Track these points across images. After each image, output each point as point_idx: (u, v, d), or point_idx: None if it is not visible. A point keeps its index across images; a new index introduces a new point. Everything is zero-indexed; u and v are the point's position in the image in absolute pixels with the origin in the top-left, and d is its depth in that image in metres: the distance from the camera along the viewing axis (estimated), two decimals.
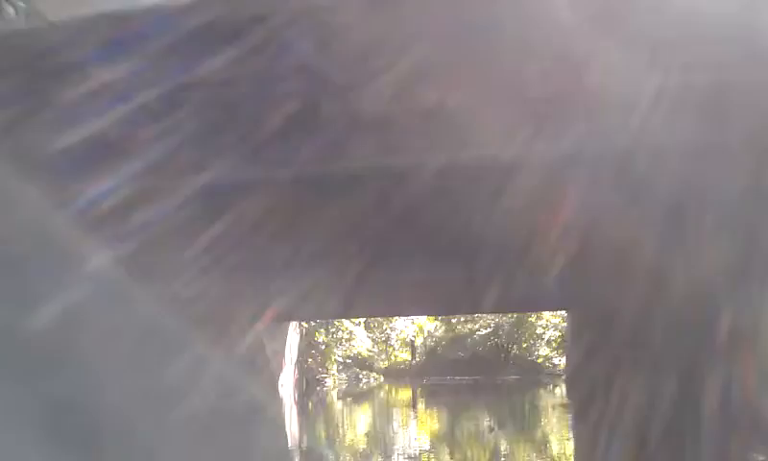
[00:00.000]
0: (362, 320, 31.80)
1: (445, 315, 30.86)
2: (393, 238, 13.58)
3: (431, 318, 34.65)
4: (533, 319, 32.05)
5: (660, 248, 8.62)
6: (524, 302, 13.50)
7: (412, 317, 34.87)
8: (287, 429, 11.89)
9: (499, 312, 27.01)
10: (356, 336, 29.80)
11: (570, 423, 10.85)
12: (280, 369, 23.30)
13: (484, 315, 32.83)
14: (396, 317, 32.73)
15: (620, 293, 11.84)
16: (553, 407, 14.24)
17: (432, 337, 35.87)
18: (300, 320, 21.47)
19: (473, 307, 14.54)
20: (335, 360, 28.15)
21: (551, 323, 31.19)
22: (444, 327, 35.65)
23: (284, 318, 15.45)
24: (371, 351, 31.93)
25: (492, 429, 8.20)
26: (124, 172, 6.87)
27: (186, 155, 6.98)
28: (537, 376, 29.82)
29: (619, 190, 7.57)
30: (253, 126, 6.85)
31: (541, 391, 21.19)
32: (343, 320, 27.88)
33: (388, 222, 10.95)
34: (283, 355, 23.65)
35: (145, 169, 6.72)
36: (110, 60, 6.22)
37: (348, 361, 29.63)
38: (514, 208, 10.12)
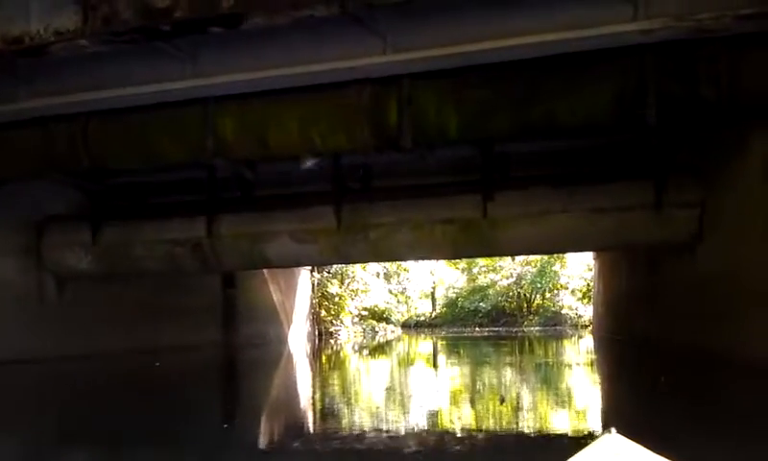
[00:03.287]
0: (380, 271, 29.97)
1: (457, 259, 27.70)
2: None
3: (452, 264, 32.63)
4: (556, 269, 29.96)
5: None
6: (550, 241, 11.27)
7: (431, 267, 33.00)
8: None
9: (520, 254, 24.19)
10: (372, 287, 27.94)
11: (599, 385, 8.81)
12: (289, 321, 21.54)
13: (505, 265, 30.88)
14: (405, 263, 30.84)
15: None
16: (578, 365, 12.16)
17: (452, 288, 33.88)
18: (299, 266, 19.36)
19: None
20: (350, 312, 26.26)
21: (575, 273, 29.17)
22: (464, 278, 33.63)
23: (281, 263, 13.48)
24: (388, 303, 30.06)
25: (502, 401, 6.20)
26: None
27: None
28: (561, 326, 27.94)
29: None
30: None
31: (566, 344, 19.15)
32: (356, 269, 26.07)
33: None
34: (293, 306, 21.84)
35: None
36: None
37: (365, 313, 27.74)
38: None
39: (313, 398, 8.13)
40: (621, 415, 6.12)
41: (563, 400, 7.32)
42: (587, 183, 10.74)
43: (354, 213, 11.39)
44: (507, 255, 24.82)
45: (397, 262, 30.79)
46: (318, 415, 6.55)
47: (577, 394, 7.89)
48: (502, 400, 6.34)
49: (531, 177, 11.28)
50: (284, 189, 12.52)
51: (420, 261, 27.57)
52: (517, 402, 6.77)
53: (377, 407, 6.97)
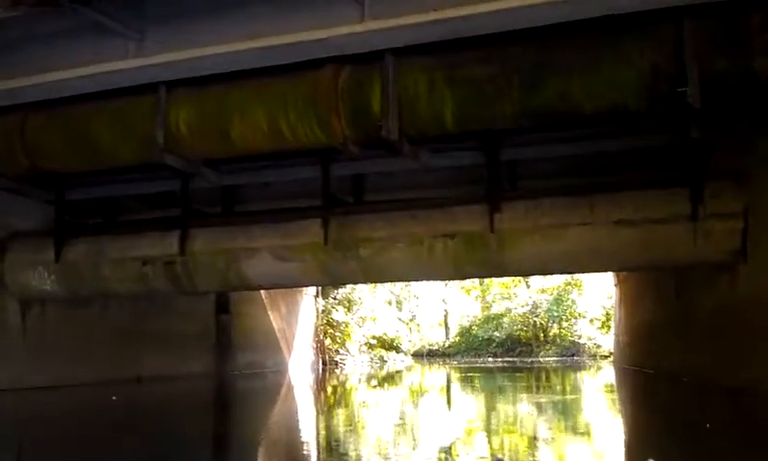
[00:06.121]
0: (391, 298, 28.31)
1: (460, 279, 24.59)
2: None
3: (465, 291, 30.95)
4: (573, 297, 28.11)
5: None
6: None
7: (443, 294, 31.30)
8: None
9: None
10: (381, 314, 26.17)
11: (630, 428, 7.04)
12: (290, 349, 19.84)
13: (520, 292, 29.08)
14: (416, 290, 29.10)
15: None
16: (602, 401, 10.35)
17: (466, 316, 32.00)
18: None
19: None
20: (357, 341, 24.46)
21: (594, 301, 27.29)
22: (478, 305, 31.83)
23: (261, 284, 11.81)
24: (398, 331, 28.20)
25: None
26: None
27: None
28: (579, 357, 26.00)
29: None
30: None
31: (586, 376, 17.26)
32: (364, 295, 24.38)
33: None
34: (295, 334, 20.15)
35: None
36: None
37: (373, 341, 25.89)
38: None
39: (317, 438, 6.51)
40: None
41: (591, 445, 5.65)
42: (609, 192, 9.00)
43: (343, 227, 9.70)
44: (517, 275, 22.58)
45: (409, 289, 29.20)
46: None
47: (605, 438, 6.17)
48: None
49: (544, 188, 9.60)
50: (269, 204, 10.95)
51: (419, 282, 25.47)
52: (535, 443, 5.41)
53: (385, 450, 5.50)
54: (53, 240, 10.97)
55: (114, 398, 9.90)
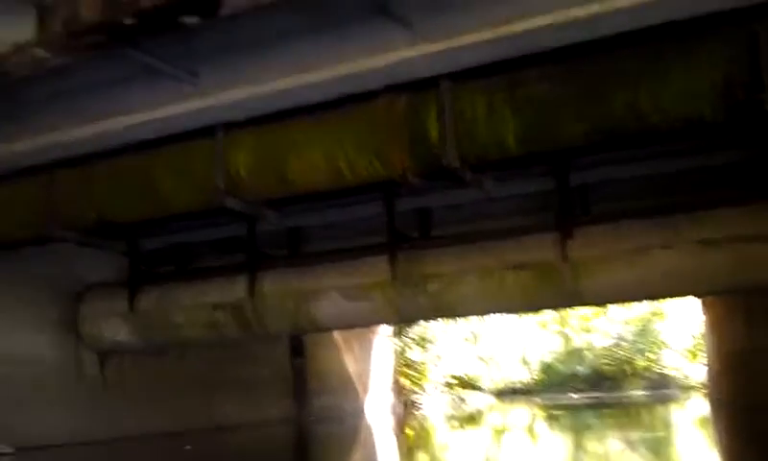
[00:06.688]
0: (468, 335, 27.67)
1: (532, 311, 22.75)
2: None
3: (543, 325, 29.99)
4: (659, 327, 26.92)
5: None
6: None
7: (522, 329, 30.45)
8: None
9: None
10: (458, 352, 25.56)
11: None
12: (367, 391, 19.47)
13: (601, 324, 28.02)
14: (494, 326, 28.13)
15: None
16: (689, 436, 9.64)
17: (547, 352, 31.01)
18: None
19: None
20: (435, 380, 23.90)
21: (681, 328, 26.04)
22: (559, 340, 30.84)
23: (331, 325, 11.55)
24: (476, 370, 27.47)
25: None
26: None
27: None
28: (669, 389, 24.79)
29: None
30: None
31: (675, 410, 16.31)
32: (440, 332, 23.85)
33: None
34: (370, 375, 19.77)
35: None
36: None
37: (452, 381, 25.26)
38: None
39: None
40: None
41: None
42: (690, 211, 8.39)
43: (410, 263, 9.34)
44: (594, 305, 21.32)
45: (486, 325, 28.53)
46: None
47: None
48: None
49: (620, 210, 9.06)
50: (335, 243, 10.73)
51: (492, 316, 24.33)
52: None
53: None
54: (126, 290, 11.01)
55: (188, 447, 9.78)
